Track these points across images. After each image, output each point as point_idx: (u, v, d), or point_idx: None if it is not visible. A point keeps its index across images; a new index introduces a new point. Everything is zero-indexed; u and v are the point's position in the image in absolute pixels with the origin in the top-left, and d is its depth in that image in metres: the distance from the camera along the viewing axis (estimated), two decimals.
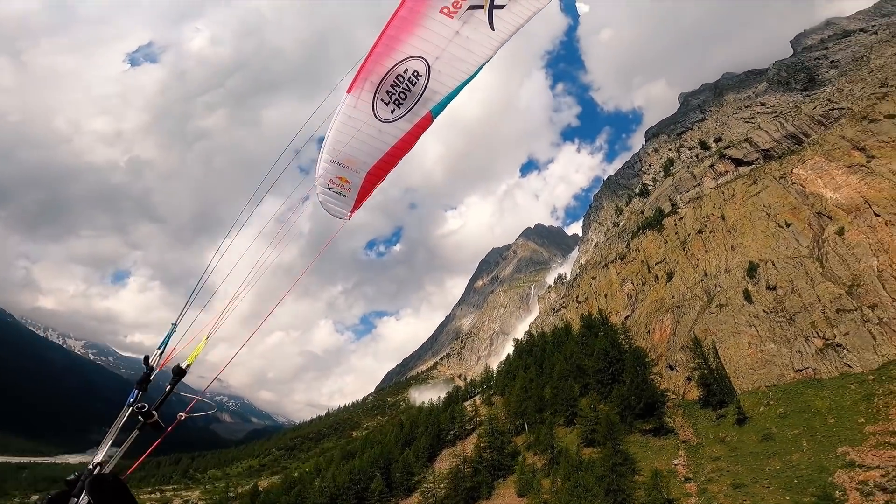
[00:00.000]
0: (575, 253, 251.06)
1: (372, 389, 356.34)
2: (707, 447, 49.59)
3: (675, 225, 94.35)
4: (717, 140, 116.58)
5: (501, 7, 5.31)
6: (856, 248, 57.27)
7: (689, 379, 65.28)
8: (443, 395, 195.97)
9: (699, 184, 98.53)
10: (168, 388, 3.79)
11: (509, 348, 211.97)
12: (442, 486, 66.41)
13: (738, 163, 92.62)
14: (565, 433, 67.92)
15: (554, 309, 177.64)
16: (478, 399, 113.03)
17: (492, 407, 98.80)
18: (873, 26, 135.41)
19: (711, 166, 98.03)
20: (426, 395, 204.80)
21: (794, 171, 74.10)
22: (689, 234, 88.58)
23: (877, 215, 57.59)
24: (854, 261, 56.39)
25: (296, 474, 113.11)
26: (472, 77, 5.66)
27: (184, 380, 4.14)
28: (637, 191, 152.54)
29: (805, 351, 54.35)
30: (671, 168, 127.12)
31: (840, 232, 60.27)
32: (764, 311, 62.70)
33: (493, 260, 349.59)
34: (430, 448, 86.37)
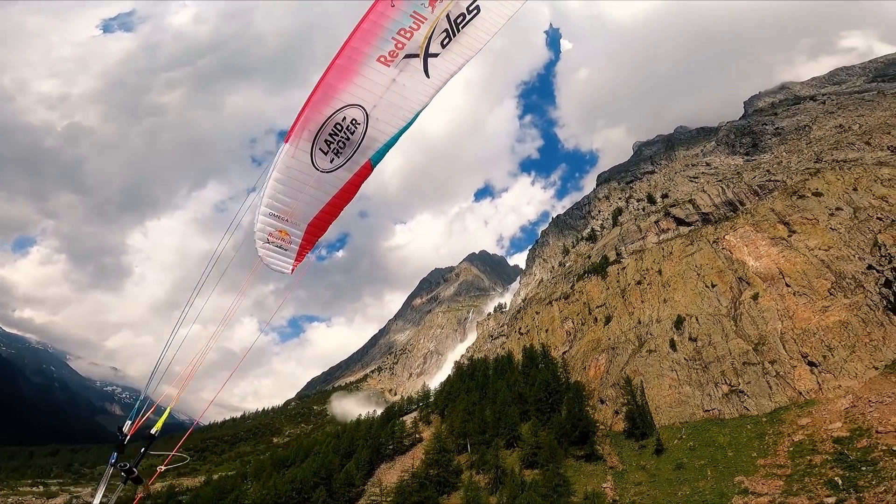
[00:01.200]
0: (516, 284, 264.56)
1: (291, 395, 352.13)
2: (630, 473, 59.65)
3: (618, 274, 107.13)
4: (664, 196, 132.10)
5: (436, 56, 5.69)
6: (766, 311, 70.69)
7: (616, 412, 76.05)
8: (374, 409, 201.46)
9: (643, 237, 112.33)
10: (143, 449, 4.57)
11: (445, 368, 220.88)
12: (389, 499, 72.32)
13: (680, 222, 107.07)
14: (506, 455, 76.21)
15: (492, 336, 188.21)
16: (415, 416, 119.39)
17: (429, 425, 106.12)
18: (823, 94, 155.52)
19: (656, 222, 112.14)
20: (350, 407, 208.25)
21: (725, 237, 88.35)
22: (629, 284, 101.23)
23: (787, 286, 71.41)
24: (763, 323, 69.62)
25: (214, 477, 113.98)
26: (409, 124, 5.96)
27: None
28: (585, 234, 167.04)
29: (714, 395, 66.39)
30: (619, 217, 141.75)
31: (755, 297, 73.84)
32: (685, 358, 74.83)
33: (435, 280, 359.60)
34: (369, 461, 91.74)
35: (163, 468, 4.46)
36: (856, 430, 46.32)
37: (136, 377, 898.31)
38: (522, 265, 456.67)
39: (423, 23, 5.60)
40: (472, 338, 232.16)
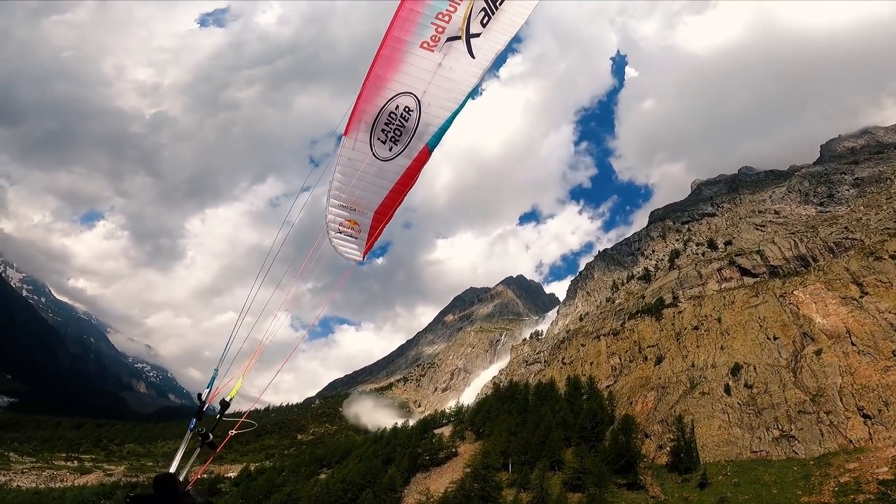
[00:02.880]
0: (553, 313, 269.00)
1: (310, 393, 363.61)
2: (671, 503, 64.98)
3: (674, 317, 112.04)
4: (727, 243, 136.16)
5: (478, 35, 6.01)
6: (827, 367, 75.17)
7: (661, 447, 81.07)
8: (407, 420, 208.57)
9: (703, 283, 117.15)
10: (218, 417, 5.19)
11: (473, 386, 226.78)
12: None
13: (745, 272, 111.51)
14: (548, 477, 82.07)
15: (527, 362, 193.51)
16: (449, 430, 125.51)
17: (464, 440, 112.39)
18: None
19: (719, 270, 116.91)
20: (371, 411, 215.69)
21: (794, 292, 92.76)
22: (685, 328, 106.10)
23: (853, 344, 75.94)
24: (823, 377, 74.11)
25: (252, 468, 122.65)
26: (462, 105, 6.33)
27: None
28: (637, 273, 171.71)
29: (764, 438, 71.15)
30: (676, 260, 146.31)
31: (818, 352, 78.30)
32: (738, 403, 79.56)
33: (469, 298, 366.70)
34: (407, 470, 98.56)
35: (233, 432, 5.30)
36: None
37: (166, 357, 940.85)
38: (558, 294, 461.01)
39: (459, 4, 5.95)
40: (503, 360, 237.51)
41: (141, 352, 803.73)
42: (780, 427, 70.28)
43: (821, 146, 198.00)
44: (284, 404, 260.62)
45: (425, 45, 5.94)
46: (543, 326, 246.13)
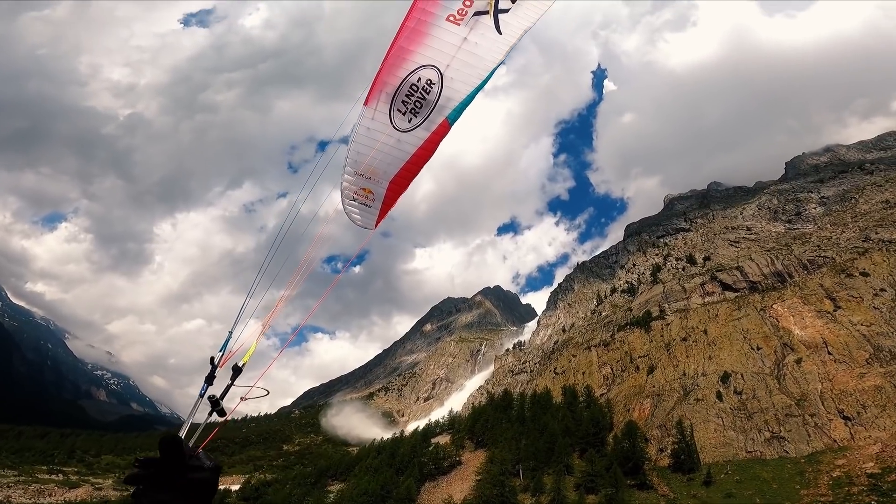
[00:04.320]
0: (533, 324, 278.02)
1: (283, 402, 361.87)
2: (682, 500, 72.67)
3: (662, 329, 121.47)
4: (706, 258, 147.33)
5: (506, 11, 5.96)
6: (808, 374, 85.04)
7: (661, 450, 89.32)
8: (384, 428, 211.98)
9: (688, 297, 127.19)
10: (229, 382, 4.94)
11: (456, 396, 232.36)
12: None
13: (727, 287, 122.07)
14: (559, 481, 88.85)
15: (513, 372, 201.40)
16: (447, 439, 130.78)
17: (463, 449, 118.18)
18: (870, 161, 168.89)
19: (702, 285, 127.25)
20: (355, 423, 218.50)
21: (773, 305, 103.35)
22: (673, 339, 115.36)
23: (829, 354, 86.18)
24: (805, 383, 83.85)
25: (252, 482, 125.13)
26: (485, 82, 6.39)
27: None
28: (620, 286, 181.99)
29: (756, 439, 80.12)
30: (659, 274, 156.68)
31: (798, 361, 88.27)
32: (730, 408, 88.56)
33: (447, 308, 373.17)
34: (417, 479, 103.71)
35: (245, 398, 5.03)
36: (886, 468, 60.26)
37: (129, 364, 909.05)
38: (535, 304, 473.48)
39: None
40: (486, 370, 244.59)
41: (101, 359, 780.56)
42: (770, 429, 79.24)
43: (786, 163, 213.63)
44: (259, 414, 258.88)
45: (451, 18, 5.98)
46: (524, 337, 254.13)
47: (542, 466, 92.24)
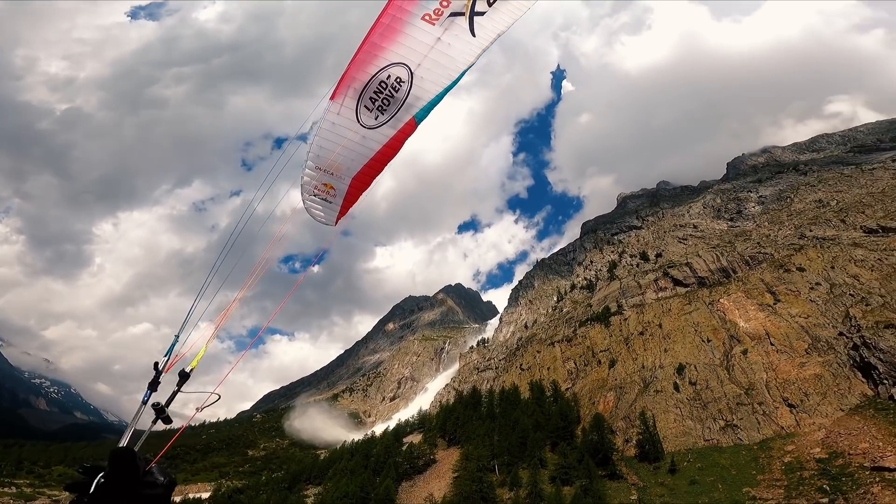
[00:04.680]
0: (494, 321, 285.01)
1: (241, 407, 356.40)
2: (652, 489, 78.80)
3: (621, 324, 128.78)
4: (658, 255, 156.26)
5: (482, 14, 6.02)
6: (753, 364, 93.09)
7: (627, 441, 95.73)
8: (352, 429, 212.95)
9: (643, 293, 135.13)
10: (175, 389, 4.78)
11: (425, 395, 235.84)
12: None
13: (678, 283, 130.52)
14: (535, 475, 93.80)
15: (479, 369, 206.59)
16: (419, 438, 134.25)
17: (436, 448, 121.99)
18: (803, 162, 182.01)
19: (655, 280, 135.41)
20: (321, 424, 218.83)
21: (720, 300, 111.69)
22: (631, 333, 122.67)
23: (772, 344, 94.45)
24: (752, 373, 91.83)
25: (222, 489, 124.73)
26: (455, 83, 6.44)
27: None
28: (579, 282, 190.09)
29: (712, 427, 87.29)
30: (615, 271, 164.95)
31: (745, 352, 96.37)
32: (687, 398, 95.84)
33: (409, 307, 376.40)
34: (394, 479, 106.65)
35: (200, 408, 4.86)
36: (832, 453, 67.73)
37: (69, 371, 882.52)
38: (496, 301, 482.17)
39: None
40: (451, 368, 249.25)
41: (38, 366, 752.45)
42: (724, 418, 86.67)
43: (727, 163, 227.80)
44: (217, 420, 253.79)
45: (427, 17, 5.96)
46: (486, 334, 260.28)
47: (517, 461, 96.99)
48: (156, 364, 4.87)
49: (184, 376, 4.88)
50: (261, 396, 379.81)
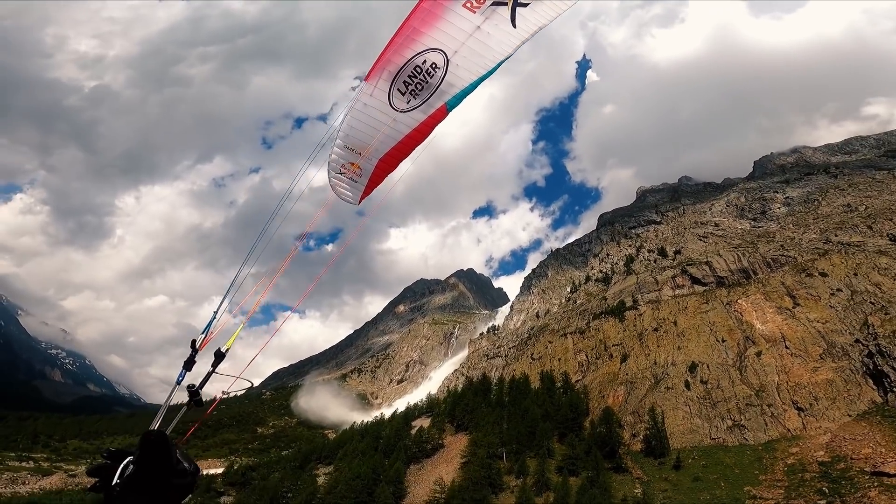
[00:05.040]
0: (505, 308, 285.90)
1: (252, 383, 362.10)
2: (655, 483, 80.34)
3: (635, 319, 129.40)
4: (677, 252, 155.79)
5: (525, 5, 6.03)
6: (766, 366, 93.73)
7: (634, 435, 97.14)
8: (359, 411, 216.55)
9: (659, 289, 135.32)
10: (210, 370, 4.67)
11: (434, 378, 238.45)
12: (440, 495, 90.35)
13: (696, 281, 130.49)
14: (542, 464, 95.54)
15: (488, 356, 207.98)
16: (427, 422, 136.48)
17: (444, 433, 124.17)
18: (834, 164, 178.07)
19: (673, 277, 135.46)
20: (328, 403, 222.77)
21: (738, 300, 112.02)
22: (645, 329, 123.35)
23: (787, 348, 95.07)
24: (763, 374, 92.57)
25: (235, 466, 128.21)
26: (490, 73, 6.44)
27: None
28: (594, 275, 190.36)
29: (720, 427, 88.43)
30: (632, 265, 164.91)
31: (759, 354, 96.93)
32: (697, 396, 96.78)
33: (420, 290, 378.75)
34: (404, 462, 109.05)
35: (224, 393, 4.86)
36: (835, 457, 68.84)
37: (85, 343, 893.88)
38: (507, 288, 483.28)
39: None
40: (460, 353, 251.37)
41: (55, 336, 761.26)
42: (732, 417, 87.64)
43: (754, 161, 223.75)
44: (227, 395, 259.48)
45: (468, 4, 5.94)
46: (497, 321, 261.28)
47: (525, 450, 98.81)
48: (193, 342, 4.80)
49: (219, 356, 4.78)
50: (270, 373, 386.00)
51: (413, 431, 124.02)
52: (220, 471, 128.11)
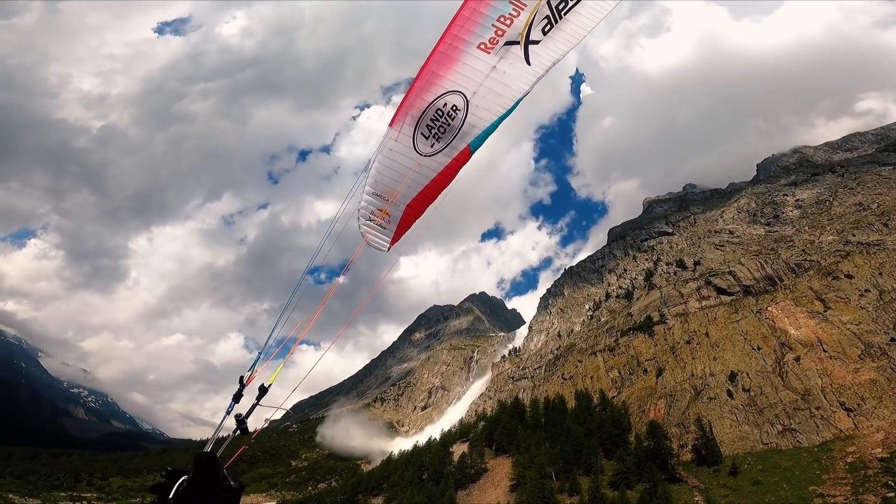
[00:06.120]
0: (523, 329, 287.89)
1: (275, 417, 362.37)
2: (714, 490, 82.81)
3: (665, 333, 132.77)
4: (696, 263, 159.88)
5: (537, 42, 6.27)
6: (807, 371, 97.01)
7: (682, 446, 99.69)
8: (389, 440, 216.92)
9: (685, 302, 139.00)
10: (254, 402, 5.22)
11: (459, 404, 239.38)
12: None
13: (721, 291, 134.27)
14: (588, 481, 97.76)
15: (513, 378, 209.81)
16: (461, 447, 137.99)
17: (483, 457, 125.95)
18: (836, 163, 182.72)
19: (697, 289, 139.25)
20: (360, 436, 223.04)
21: (768, 308, 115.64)
22: (677, 343, 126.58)
23: (825, 351, 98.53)
24: (806, 379, 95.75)
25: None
26: (510, 111, 6.63)
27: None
28: (612, 291, 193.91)
29: (770, 432, 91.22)
30: (652, 279, 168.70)
31: (797, 359, 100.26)
32: (741, 404, 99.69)
33: (434, 317, 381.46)
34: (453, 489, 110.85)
35: (268, 419, 5.63)
36: (894, 453, 71.79)
37: (105, 381, 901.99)
38: (520, 309, 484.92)
39: (523, 9, 6.15)
40: (481, 377, 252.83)
41: (76, 376, 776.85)
42: (781, 422, 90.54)
43: (757, 165, 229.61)
44: (252, 430, 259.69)
45: (483, 46, 6.17)
46: (516, 343, 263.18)
47: (572, 468, 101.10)
48: (241, 378, 5.31)
49: (263, 391, 5.31)
50: (290, 405, 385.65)
51: (454, 457, 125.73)
52: None
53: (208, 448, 3.94)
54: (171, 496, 3.18)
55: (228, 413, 4.99)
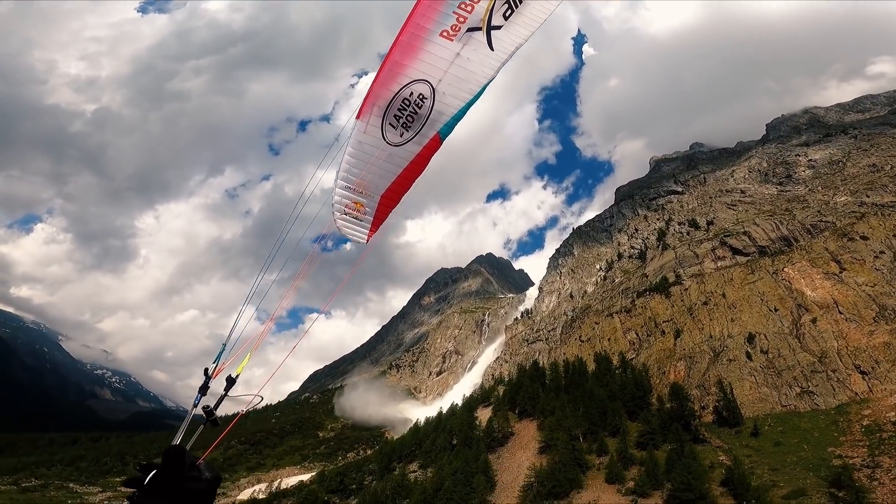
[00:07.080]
0: (533, 290, 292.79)
1: (289, 387, 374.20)
2: (737, 450, 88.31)
3: (682, 294, 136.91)
4: (710, 223, 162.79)
5: (498, 28, 6.30)
6: (824, 333, 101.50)
7: (703, 407, 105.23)
8: (410, 406, 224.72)
9: (700, 263, 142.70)
10: (223, 393, 5.20)
11: (475, 368, 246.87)
12: (533, 479, 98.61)
13: (737, 252, 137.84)
14: (614, 441, 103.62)
15: (528, 341, 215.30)
16: (485, 412, 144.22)
17: (508, 421, 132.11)
18: (848, 124, 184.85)
19: (713, 250, 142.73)
20: (371, 400, 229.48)
21: (784, 269, 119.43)
22: (694, 304, 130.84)
23: (840, 313, 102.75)
24: (822, 341, 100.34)
25: (309, 479, 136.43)
26: (477, 97, 6.72)
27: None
28: (625, 252, 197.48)
29: (789, 394, 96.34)
30: (664, 239, 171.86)
31: (814, 321, 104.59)
32: (760, 366, 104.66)
33: (442, 279, 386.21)
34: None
35: (243, 411, 5.37)
36: None
37: (126, 360, 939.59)
38: (528, 269, 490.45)
39: None
40: (494, 340, 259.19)
41: (98, 357, 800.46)
42: (799, 385, 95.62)
43: (766, 125, 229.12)
44: (274, 402, 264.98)
45: (445, 33, 6.19)
46: (527, 304, 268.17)
47: (598, 430, 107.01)
48: (206, 370, 5.28)
49: (230, 381, 5.29)
50: (306, 376, 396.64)
51: (481, 422, 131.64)
52: (306, 477, 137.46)
53: (176, 440, 4.08)
54: (142, 488, 3.36)
55: (196, 405, 5.01)
